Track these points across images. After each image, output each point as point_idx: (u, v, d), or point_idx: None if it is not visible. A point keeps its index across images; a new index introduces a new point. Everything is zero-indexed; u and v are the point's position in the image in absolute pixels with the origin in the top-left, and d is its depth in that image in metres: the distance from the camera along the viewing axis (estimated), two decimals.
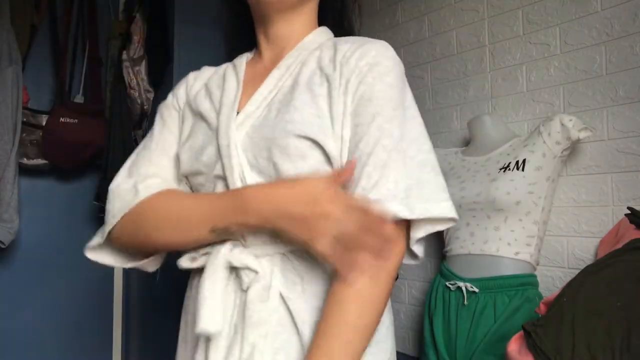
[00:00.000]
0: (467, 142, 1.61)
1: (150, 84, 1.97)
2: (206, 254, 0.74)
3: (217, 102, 0.80)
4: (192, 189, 0.82)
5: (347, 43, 0.77)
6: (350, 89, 0.72)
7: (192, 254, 0.76)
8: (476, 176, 1.38)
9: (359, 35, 0.85)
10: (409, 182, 0.68)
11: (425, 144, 0.73)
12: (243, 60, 0.85)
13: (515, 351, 0.93)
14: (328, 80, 0.73)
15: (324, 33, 0.84)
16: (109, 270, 2.29)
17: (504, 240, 1.29)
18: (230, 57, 0.90)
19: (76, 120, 1.99)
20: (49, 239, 2.14)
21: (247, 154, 0.73)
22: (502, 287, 1.27)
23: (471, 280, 1.31)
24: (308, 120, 0.70)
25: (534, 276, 1.31)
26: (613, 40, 1.28)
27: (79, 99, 2.12)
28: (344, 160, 0.71)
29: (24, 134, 1.93)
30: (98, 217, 2.13)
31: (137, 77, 1.93)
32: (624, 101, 1.26)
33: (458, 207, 1.38)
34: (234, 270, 0.72)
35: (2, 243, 1.84)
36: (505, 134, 1.44)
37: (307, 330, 0.70)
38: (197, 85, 0.86)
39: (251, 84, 0.80)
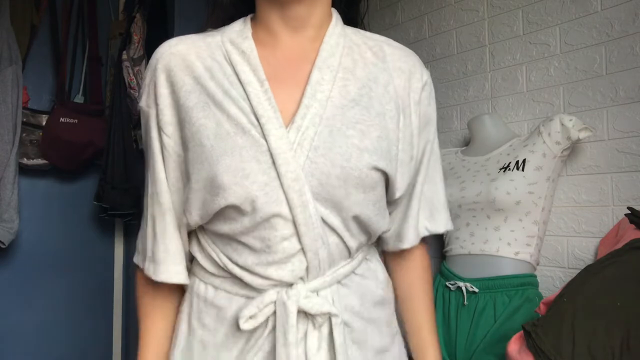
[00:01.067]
0: (467, 142, 1.61)
1: None
2: (267, 306, 0.66)
3: (244, 106, 0.64)
4: (215, 223, 0.67)
5: (395, 49, 0.75)
6: (415, 108, 0.73)
7: (249, 312, 0.66)
8: (476, 176, 1.38)
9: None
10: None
11: None
12: (249, 41, 0.68)
13: (515, 351, 0.94)
14: (389, 96, 0.70)
15: (339, 17, 0.75)
16: (109, 270, 2.29)
17: (504, 240, 1.29)
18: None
19: (76, 120, 2.00)
20: (49, 239, 2.14)
21: (311, 180, 0.63)
22: (502, 287, 1.27)
23: (471, 280, 1.31)
24: (379, 147, 0.66)
25: (534, 276, 1.31)
26: (613, 40, 1.28)
27: (79, 99, 2.12)
28: (399, 181, 0.71)
29: (24, 134, 1.93)
30: (98, 217, 2.13)
31: (137, 77, 1.93)
32: (624, 101, 1.26)
33: (458, 207, 1.38)
34: (301, 313, 0.67)
35: (2, 243, 1.84)
36: (505, 134, 1.44)
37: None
38: (200, 69, 0.67)
39: (279, 81, 0.67)
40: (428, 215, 0.79)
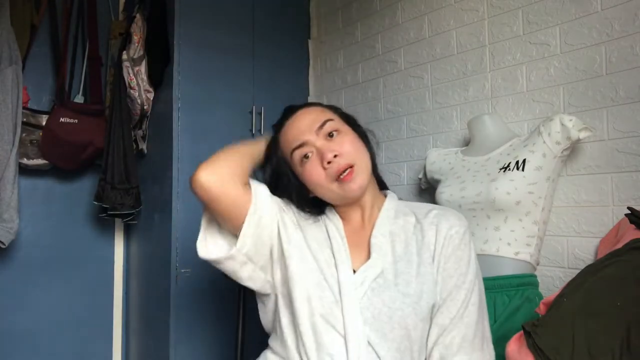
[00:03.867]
0: (467, 142, 1.61)
1: (150, 84, 1.97)
2: None
3: (327, 253, 0.96)
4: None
5: (428, 212, 1.00)
6: (445, 253, 0.94)
7: None
8: (476, 176, 1.38)
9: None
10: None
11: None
12: (338, 216, 1.04)
13: (515, 351, 0.94)
14: (425, 247, 0.95)
15: (393, 196, 1.07)
16: (109, 270, 2.29)
17: (504, 240, 1.29)
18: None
19: (76, 120, 1.99)
20: (49, 239, 2.14)
21: (365, 312, 0.88)
22: (502, 287, 1.27)
23: None
24: (420, 290, 0.90)
25: (534, 276, 1.31)
26: (613, 40, 1.28)
27: (79, 99, 2.12)
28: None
29: (24, 134, 1.93)
30: (98, 217, 2.13)
31: (137, 77, 1.93)
32: (624, 101, 1.26)
33: (458, 207, 1.38)
34: None
35: (2, 243, 1.84)
36: (505, 134, 1.44)
37: None
38: (311, 232, 1.01)
39: (352, 239, 1.00)
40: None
